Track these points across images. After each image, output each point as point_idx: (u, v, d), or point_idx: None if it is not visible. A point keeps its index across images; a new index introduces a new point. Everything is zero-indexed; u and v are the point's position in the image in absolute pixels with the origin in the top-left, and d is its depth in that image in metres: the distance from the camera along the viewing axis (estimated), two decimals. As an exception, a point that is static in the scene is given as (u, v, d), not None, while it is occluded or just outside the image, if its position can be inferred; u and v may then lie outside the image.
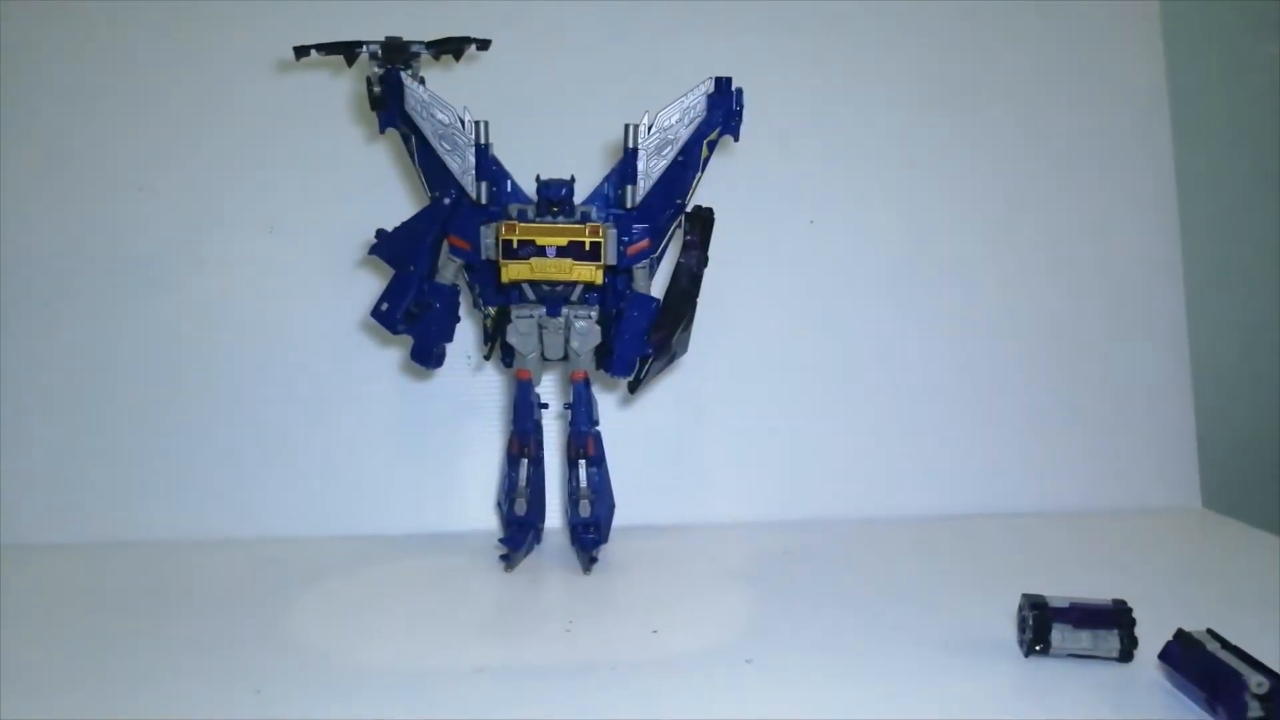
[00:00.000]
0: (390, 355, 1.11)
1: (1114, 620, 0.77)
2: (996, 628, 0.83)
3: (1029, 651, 0.79)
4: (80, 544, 1.04)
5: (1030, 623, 0.78)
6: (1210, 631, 0.73)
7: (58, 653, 0.80)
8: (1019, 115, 1.19)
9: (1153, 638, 0.75)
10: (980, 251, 1.19)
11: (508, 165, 0.94)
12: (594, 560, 0.97)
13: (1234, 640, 0.72)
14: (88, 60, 1.09)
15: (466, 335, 1.07)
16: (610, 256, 0.90)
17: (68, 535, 1.05)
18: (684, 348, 0.97)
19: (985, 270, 1.19)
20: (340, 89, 1.09)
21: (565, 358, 0.96)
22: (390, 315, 0.94)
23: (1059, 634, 0.78)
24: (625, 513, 1.03)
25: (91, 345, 1.09)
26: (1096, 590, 0.81)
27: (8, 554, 1.01)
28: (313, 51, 0.94)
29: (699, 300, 0.95)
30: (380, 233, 0.95)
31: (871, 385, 1.17)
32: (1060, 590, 0.81)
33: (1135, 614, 0.77)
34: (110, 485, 1.08)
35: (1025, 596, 0.80)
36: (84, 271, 1.09)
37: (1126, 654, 0.77)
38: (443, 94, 0.92)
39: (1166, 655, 0.74)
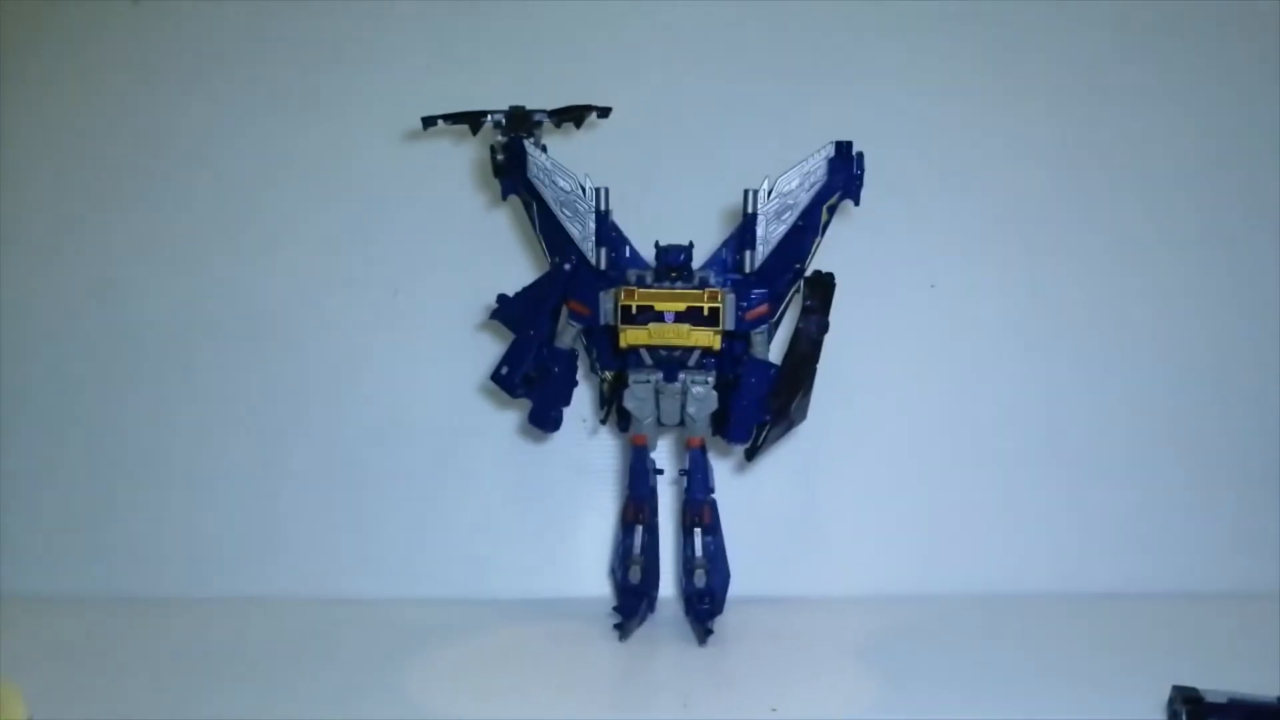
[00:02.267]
0: (508, 418, 1.11)
1: (1280, 720, 0.71)
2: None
3: (1183, 750, 0.73)
4: (189, 599, 1.06)
5: (1184, 719, 0.73)
6: (1395, 739, 0.67)
7: (162, 711, 0.80)
8: (1149, 179, 1.13)
9: (1325, 741, 0.69)
10: (1112, 314, 1.13)
11: (626, 231, 0.94)
12: (709, 632, 0.95)
13: None
14: (221, 120, 1.12)
15: (583, 399, 1.07)
16: (729, 322, 0.89)
17: (178, 590, 1.07)
18: (803, 414, 0.95)
19: (1119, 332, 1.13)
20: (464, 156, 1.11)
21: (681, 423, 0.95)
22: (510, 378, 0.95)
23: (1217, 732, 0.72)
24: (741, 583, 1.00)
25: (215, 401, 1.11)
26: (1257, 684, 0.75)
27: (111, 608, 1.03)
28: (440, 121, 0.96)
29: (818, 366, 0.93)
30: (501, 297, 0.96)
31: (999, 453, 1.12)
32: (1215, 682, 0.75)
33: (1305, 714, 0.71)
34: (223, 540, 1.10)
35: (1176, 689, 0.75)
36: (210, 328, 1.11)
37: (1295, 758, 0.71)
38: (562, 160, 0.93)
39: (1344, 763, 0.68)
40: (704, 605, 0.97)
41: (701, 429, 0.95)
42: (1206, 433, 1.13)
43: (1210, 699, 0.73)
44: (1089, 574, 1.09)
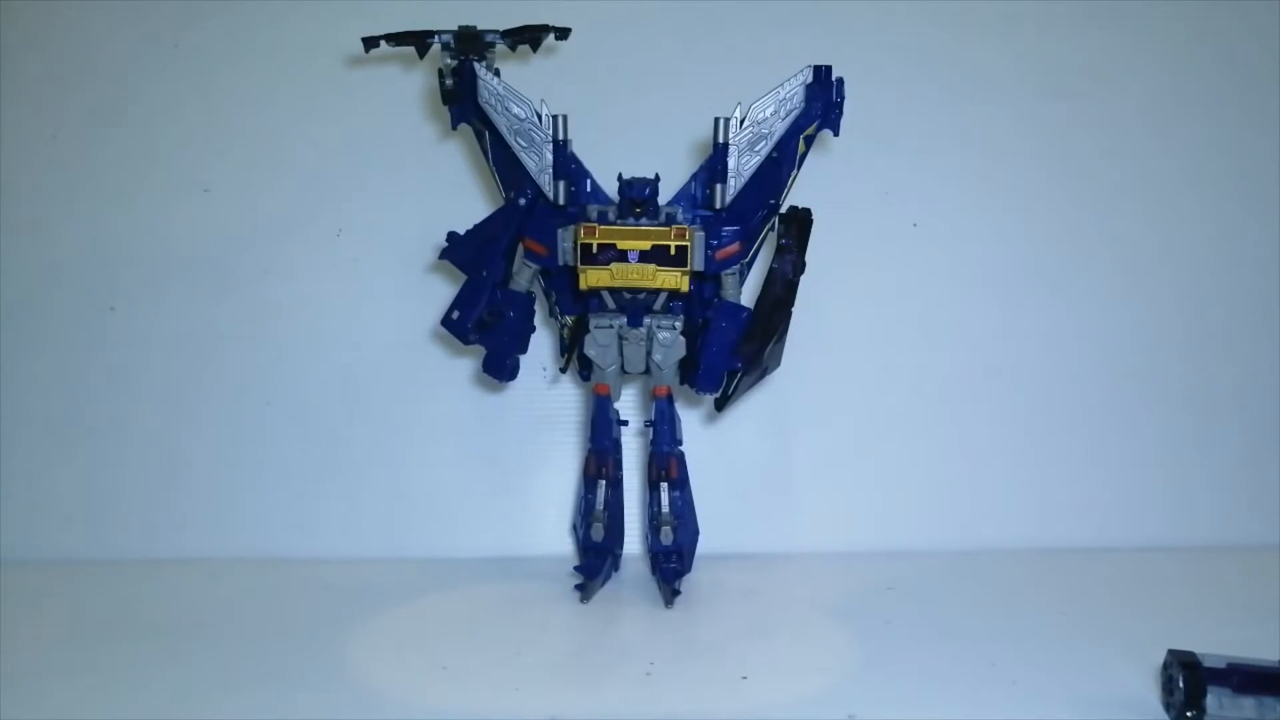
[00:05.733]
0: (461, 366, 1.07)
1: (1283, 686, 0.68)
2: (1135, 684, 0.76)
3: (1179, 718, 0.70)
4: (123, 560, 1.02)
5: (1180, 684, 0.70)
6: None
7: (89, 679, 0.78)
8: (1143, 110, 1.10)
9: (1331, 708, 0.66)
10: (1101, 257, 1.10)
11: (588, 163, 0.90)
12: (676, 592, 0.93)
13: None
14: (150, 55, 1.07)
15: (542, 346, 1.04)
16: (697, 262, 0.86)
17: (110, 550, 1.04)
18: (776, 362, 0.92)
19: (1107, 278, 1.10)
20: (412, 83, 1.06)
21: (647, 371, 0.92)
22: (461, 324, 0.91)
23: (1215, 699, 0.69)
24: (710, 540, 0.98)
25: (150, 353, 1.07)
26: (1252, 644, 0.72)
27: (45, 570, 1.00)
28: (382, 43, 0.92)
29: (793, 310, 0.89)
30: (451, 236, 0.92)
31: (979, 403, 1.09)
32: (1208, 640, 0.72)
33: (1309, 679, 0.68)
34: (159, 499, 1.07)
35: (1172, 653, 0.72)
36: (144, 276, 1.07)
37: (1299, 727, 0.68)
38: (519, 87, 0.88)
39: (1352, 732, 0.64)
40: (671, 564, 0.95)
41: (668, 377, 0.92)
42: (1202, 383, 1.11)
43: (1209, 664, 0.70)
44: (1072, 527, 1.08)
